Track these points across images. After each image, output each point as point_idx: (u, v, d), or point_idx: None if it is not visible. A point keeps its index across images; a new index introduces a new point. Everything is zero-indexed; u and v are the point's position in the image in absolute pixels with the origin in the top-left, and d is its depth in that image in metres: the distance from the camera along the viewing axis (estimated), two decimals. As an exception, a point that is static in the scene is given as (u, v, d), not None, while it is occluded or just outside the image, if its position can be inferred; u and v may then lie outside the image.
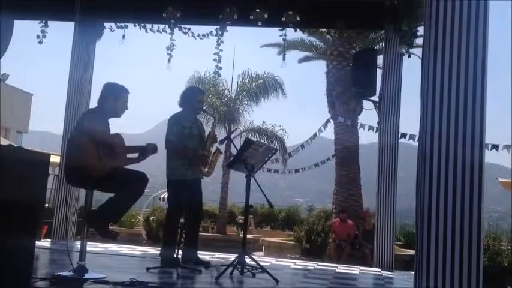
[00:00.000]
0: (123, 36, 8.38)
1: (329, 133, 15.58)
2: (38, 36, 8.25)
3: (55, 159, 8.37)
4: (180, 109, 6.00)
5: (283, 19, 7.55)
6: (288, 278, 5.79)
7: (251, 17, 7.50)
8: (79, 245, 4.51)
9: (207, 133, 6.08)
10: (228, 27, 7.97)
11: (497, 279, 9.23)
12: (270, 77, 18.19)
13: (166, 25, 8.11)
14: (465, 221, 3.47)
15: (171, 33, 8.22)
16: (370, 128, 10.48)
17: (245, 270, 5.25)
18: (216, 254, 7.54)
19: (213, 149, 5.94)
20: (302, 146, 17.24)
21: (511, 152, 11.32)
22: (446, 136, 3.56)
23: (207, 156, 5.86)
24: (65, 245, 5.32)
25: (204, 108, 8.38)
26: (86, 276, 4.24)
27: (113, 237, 4.47)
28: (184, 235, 5.71)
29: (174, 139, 5.78)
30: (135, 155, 4.66)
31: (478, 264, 3.44)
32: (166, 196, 8.49)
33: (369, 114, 9.36)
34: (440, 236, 3.49)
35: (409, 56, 7.55)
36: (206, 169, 5.88)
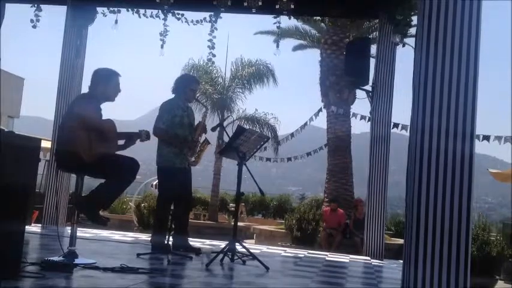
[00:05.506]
0: (116, 21, 8.32)
1: (322, 122, 15.59)
2: (31, 21, 8.11)
3: (46, 144, 8.32)
4: (172, 95, 5.97)
5: (277, 6, 7.50)
6: (279, 266, 5.82)
7: (245, 3, 7.43)
8: (69, 231, 4.51)
9: (197, 122, 6.05)
10: (221, 14, 7.92)
11: (486, 269, 9.32)
12: (263, 64, 18.13)
13: (160, 11, 8.05)
14: (454, 210, 3.49)
15: (164, 19, 8.16)
16: (363, 117, 10.51)
17: (235, 257, 5.28)
18: (207, 241, 7.57)
19: (202, 139, 5.92)
20: (292, 134, 17.27)
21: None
22: (437, 126, 3.55)
23: (195, 142, 5.83)
24: (55, 230, 5.32)
25: (197, 97, 8.32)
26: (76, 261, 4.24)
27: (103, 223, 4.46)
28: (174, 222, 5.71)
29: (164, 127, 5.74)
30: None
31: (467, 254, 3.46)
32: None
33: (361, 104, 9.38)
34: (429, 226, 3.50)
35: (403, 46, 7.55)
36: (192, 158, 5.85)
